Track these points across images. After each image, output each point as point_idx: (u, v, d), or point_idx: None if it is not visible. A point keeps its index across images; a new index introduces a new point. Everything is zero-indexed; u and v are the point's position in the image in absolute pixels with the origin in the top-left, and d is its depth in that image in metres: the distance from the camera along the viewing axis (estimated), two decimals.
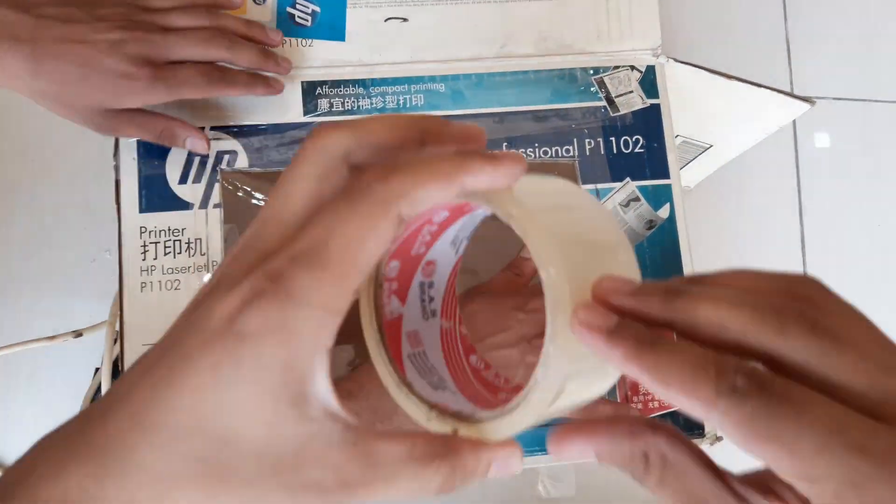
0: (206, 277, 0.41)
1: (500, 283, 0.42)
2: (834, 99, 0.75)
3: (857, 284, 0.70)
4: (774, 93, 0.49)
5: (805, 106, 0.50)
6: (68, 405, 0.61)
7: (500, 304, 0.39)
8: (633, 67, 0.47)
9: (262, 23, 0.42)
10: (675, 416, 0.42)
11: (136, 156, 0.42)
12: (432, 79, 0.45)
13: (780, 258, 0.72)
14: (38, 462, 0.19)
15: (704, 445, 0.42)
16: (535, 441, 0.41)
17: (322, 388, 0.18)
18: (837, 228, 0.74)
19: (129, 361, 0.40)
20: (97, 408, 0.19)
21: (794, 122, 0.74)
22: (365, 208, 0.18)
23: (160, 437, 0.17)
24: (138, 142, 0.42)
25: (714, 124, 0.56)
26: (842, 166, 0.74)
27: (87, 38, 0.35)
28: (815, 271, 0.70)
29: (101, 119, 0.38)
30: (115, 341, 0.48)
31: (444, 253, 0.25)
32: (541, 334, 0.20)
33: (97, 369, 0.57)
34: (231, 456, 0.17)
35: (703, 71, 0.47)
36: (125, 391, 0.19)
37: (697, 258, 0.45)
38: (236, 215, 0.42)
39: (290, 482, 0.17)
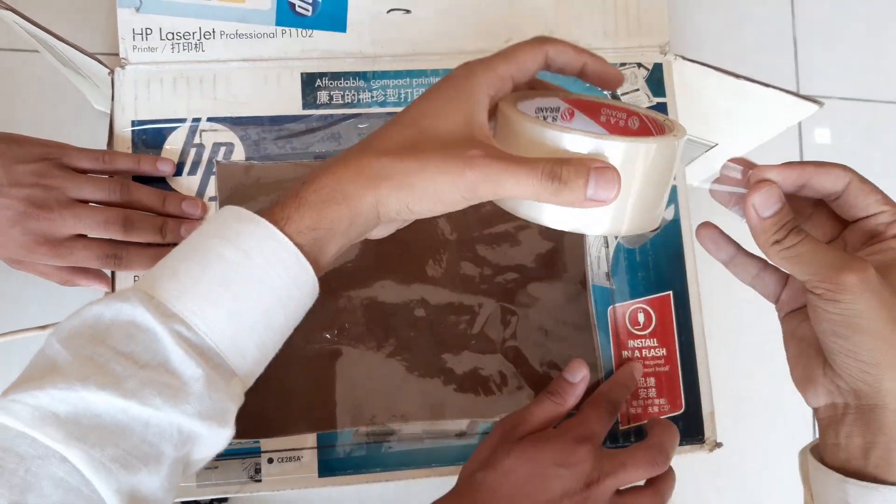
0: None
1: (539, 416, 0.39)
2: (840, 99, 0.74)
3: None
4: (782, 93, 0.48)
5: (813, 107, 0.49)
6: None
7: (539, 458, 0.36)
8: (640, 65, 0.46)
9: (180, 195, 0.41)
10: (676, 421, 0.41)
11: (130, 145, 0.41)
12: (435, 72, 0.44)
13: None
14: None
15: (703, 452, 0.42)
16: None
17: (482, 113, 0.30)
18: None
19: None
20: None
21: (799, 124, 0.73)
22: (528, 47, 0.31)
23: (391, 129, 0.30)
24: (133, 132, 0.41)
25: (720, 123, 0.55)
26: (843, 162, 0.73)
27: None
28: None
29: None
30: None
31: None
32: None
33: None
34: (427, 139, 0.29)
35: (710, 69, 0.46)
36: None
37: (700, 257, 0.44)
38: None
39: (457, 153, 0.28)
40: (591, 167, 0.27)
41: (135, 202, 0.40)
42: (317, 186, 0.28)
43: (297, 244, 0.28)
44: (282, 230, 0.28)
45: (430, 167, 0.28)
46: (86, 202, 0.40)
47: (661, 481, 0.37)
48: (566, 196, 0.27)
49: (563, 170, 0.27)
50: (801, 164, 0.31)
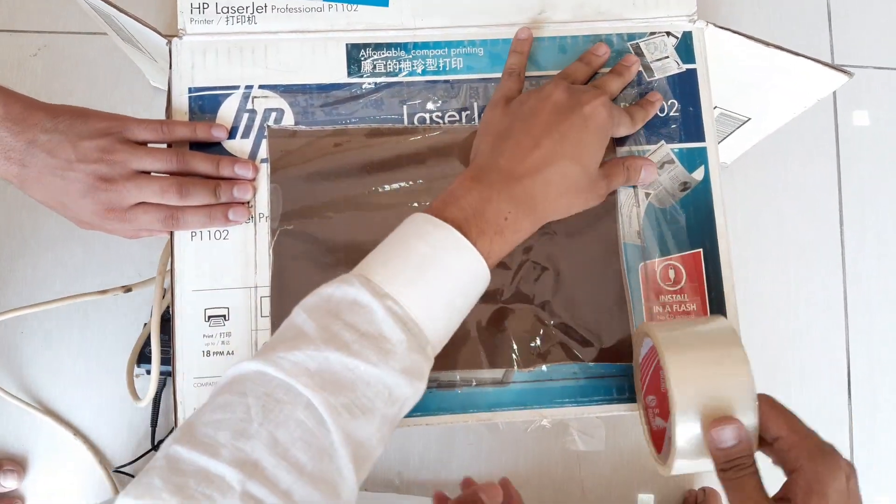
0: (253, 228, 0.43)
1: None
2: (875, 68, 0.74)
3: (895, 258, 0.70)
4: (813, 62, 0.49)
5: (843, 78, 0.50)
6: (117, 357, 0.64)
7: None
8: (668, 33, 0.47)
9: (233, 158, 0.44)
10: None
11: (187, 111, 0.44)
12: (472, 43, 0.46)
13: (818, 236, 0.72)
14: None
15: None
16: (564, 393, 0.42)
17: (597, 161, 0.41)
18: (876, 205, 0.73)
19: (178, 308, 0.42)
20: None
21: (834, 97, 0.73)
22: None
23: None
24: (190, 98, 0.44)
25: (752, 95, 0.56)
26: (882, 143, 0.73)
27: (66, 175, 0.41)
28: (852, 246, 0.70)
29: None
30: (164, 295, 0.50)
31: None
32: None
33: (146, 324, 0.60)
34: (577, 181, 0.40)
35: (741, 37, 0.48)
36: None
37: (736, 235, 0.45)
38: (281, 171, 0.44)
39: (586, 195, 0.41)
40: None
41: (191, 169, 0.43)
42: (497, 215, 0.36)
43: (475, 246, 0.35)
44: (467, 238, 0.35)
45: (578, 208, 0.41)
46: (147, 172, 0.42)
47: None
48: None
49: None
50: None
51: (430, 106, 0.45)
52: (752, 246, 0.69)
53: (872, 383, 0.67)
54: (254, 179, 0.44)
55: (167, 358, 0.44)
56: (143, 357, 0.59)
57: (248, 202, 0.43)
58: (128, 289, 0.59)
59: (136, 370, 0.59)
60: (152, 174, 0.43)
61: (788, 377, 0.67)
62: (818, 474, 0.33)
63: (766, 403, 0.35)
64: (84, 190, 0.41)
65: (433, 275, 0.34)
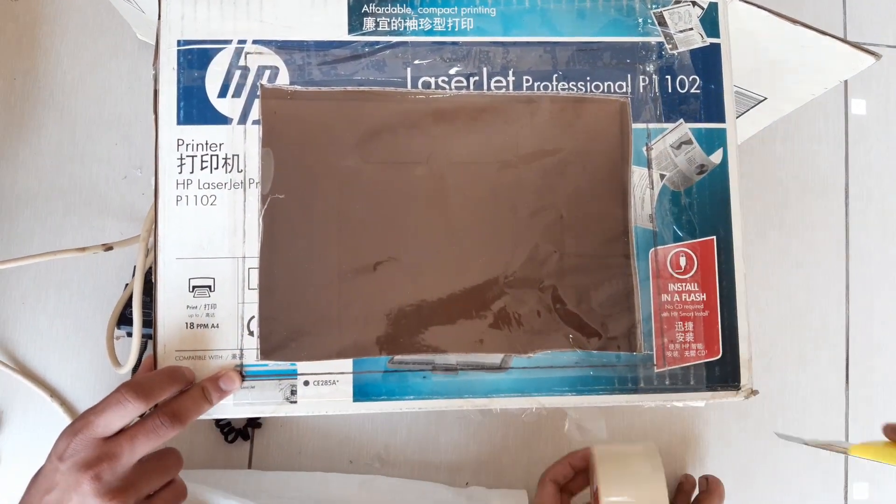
0: (242, 194, 0.41)
1: None
2: (888, 47, 0.72)
3: None
4: (840, 42, 0.47)
5: (870, 59, 0.47)
6: (97, 317, 0.62)
7: None
8: (694, 3, 0.44)
9: (214, 378, 0.40)
10: (713, 366, 0.41)
11: (175, 65, 0.41)
12: (483, 2, 0.43)
13: (823, 215, 0.70)
14: None
15: (739, 398, 0.41)
16: (564, 381, 0.41)
17: None
18: (883, 186, 0.71)
19: (161, 274, 0.40)
20: None
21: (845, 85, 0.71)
22: None
23: None
24: (179, 51, 0.41)
25: (770, 74, 0.53)
26: (887, 121, 0.71)
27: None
28: (857, 227, 0.68)
29: None
30: (147, 254, 0.48)
31: None
32: None
33: (127, 284, 0.58)
34: None
35: (765, 12, 0.45)
36: None
37: (745, 203, 0.43)
38: (274, 135, 0.41)
39: None
40: None
41: (171, 404, 0.39)
42: None
43: None
44: None
45: None
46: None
47: None
48: None
49: None
50: None
51: (435, 69, 0.42)
52: (753, 217, 0.68)
53: (871, 364, 0.67)
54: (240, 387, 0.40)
55: (149, 321, 0.42)
56: (123, 318, 0.57)
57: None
58: (108, 247, 0.57)
59: (117, 331, 0.57)
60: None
61: (785, 361, 0.66)
62: None
63: None
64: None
65: None
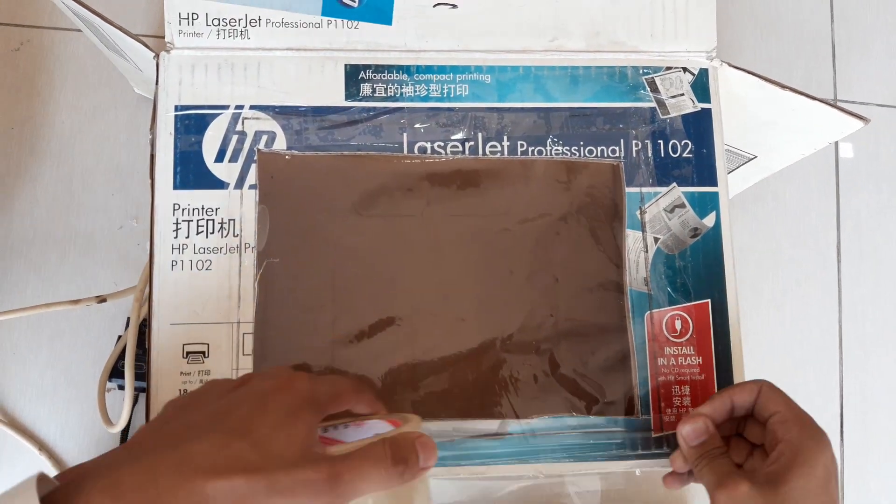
0: (238, 259, 0.41)
1: None
2: (878, 105, 0.73)
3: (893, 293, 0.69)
4: (829, 107, 0.47)
5: (859, 123, 0.48)
6: (89, 370, 0.61)
7: None
8: (685, 69, 0.45)
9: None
10: None
11: (172, 130, 0.41)
12: (479, 69, 0.44)
13: (816, 268, 0.70)
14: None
15: None
16: (562, 447, 0.41)
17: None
18: (875, 238, 0.72)
19: (155, 340, 0.40)
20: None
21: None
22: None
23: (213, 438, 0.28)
24: (176, 116, 0.41)
25: (761, 134, 0.54)
26: (878, 176, 0.72)
27: None
28: (849, 278, 0.69)
29: None
30: (141, 308, 0.47)
31: None
32: None
33: (120, 336, 0.57)
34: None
35: (755, 78, 0.46)
36: None
37: (739, 265, 0.43)
38: (271, 197, 0.41)
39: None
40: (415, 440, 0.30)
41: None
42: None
43: None
44: None
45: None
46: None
47: None
48: (410, 475, 0.29)
49: (400, 450, 0.29)
50: (725, 391, 0.38)
51: (431, 135, 0.43)
52: (748, 278, 0.68)
53: (865, 422, 0.67)
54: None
55: (142, 374, 0.41)
56: (115, 371, 0.56)
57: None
58: (102, 299, 0.56)
59: (108, 384, 0.56)
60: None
61: None
62: (807, 447, 0.34)
63: (767, 385, 0.38)
64: None
65: None
